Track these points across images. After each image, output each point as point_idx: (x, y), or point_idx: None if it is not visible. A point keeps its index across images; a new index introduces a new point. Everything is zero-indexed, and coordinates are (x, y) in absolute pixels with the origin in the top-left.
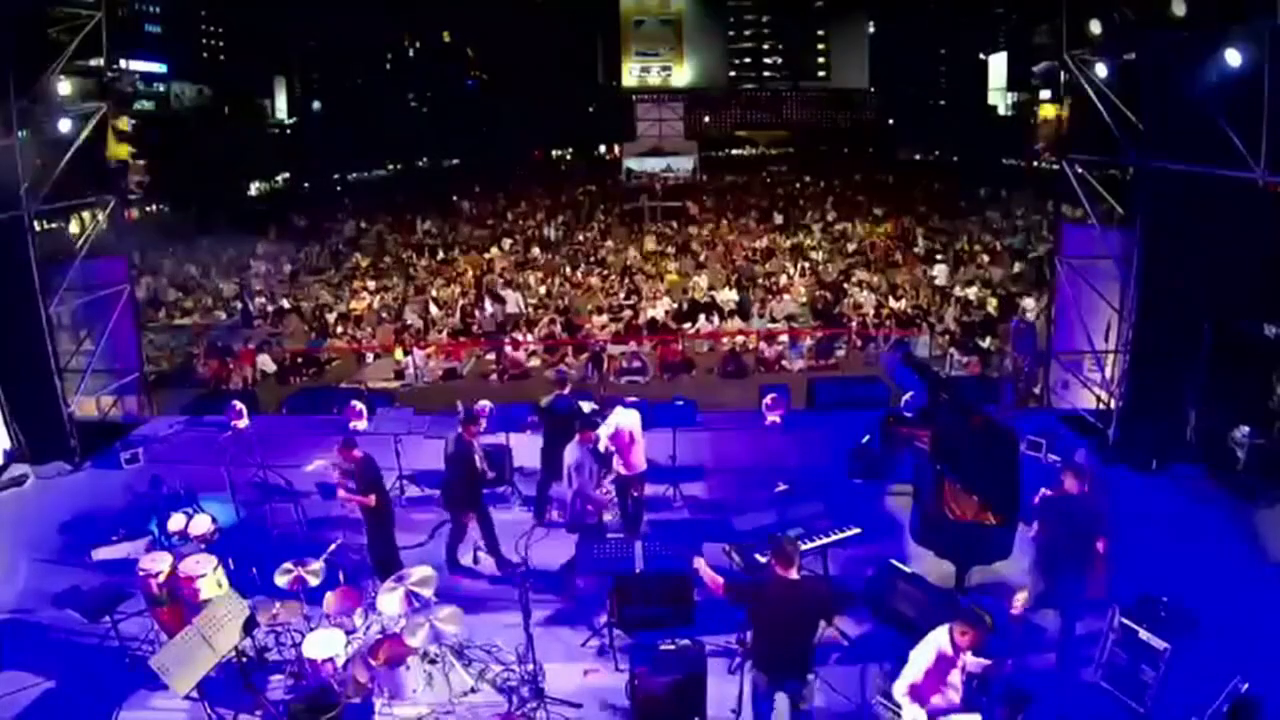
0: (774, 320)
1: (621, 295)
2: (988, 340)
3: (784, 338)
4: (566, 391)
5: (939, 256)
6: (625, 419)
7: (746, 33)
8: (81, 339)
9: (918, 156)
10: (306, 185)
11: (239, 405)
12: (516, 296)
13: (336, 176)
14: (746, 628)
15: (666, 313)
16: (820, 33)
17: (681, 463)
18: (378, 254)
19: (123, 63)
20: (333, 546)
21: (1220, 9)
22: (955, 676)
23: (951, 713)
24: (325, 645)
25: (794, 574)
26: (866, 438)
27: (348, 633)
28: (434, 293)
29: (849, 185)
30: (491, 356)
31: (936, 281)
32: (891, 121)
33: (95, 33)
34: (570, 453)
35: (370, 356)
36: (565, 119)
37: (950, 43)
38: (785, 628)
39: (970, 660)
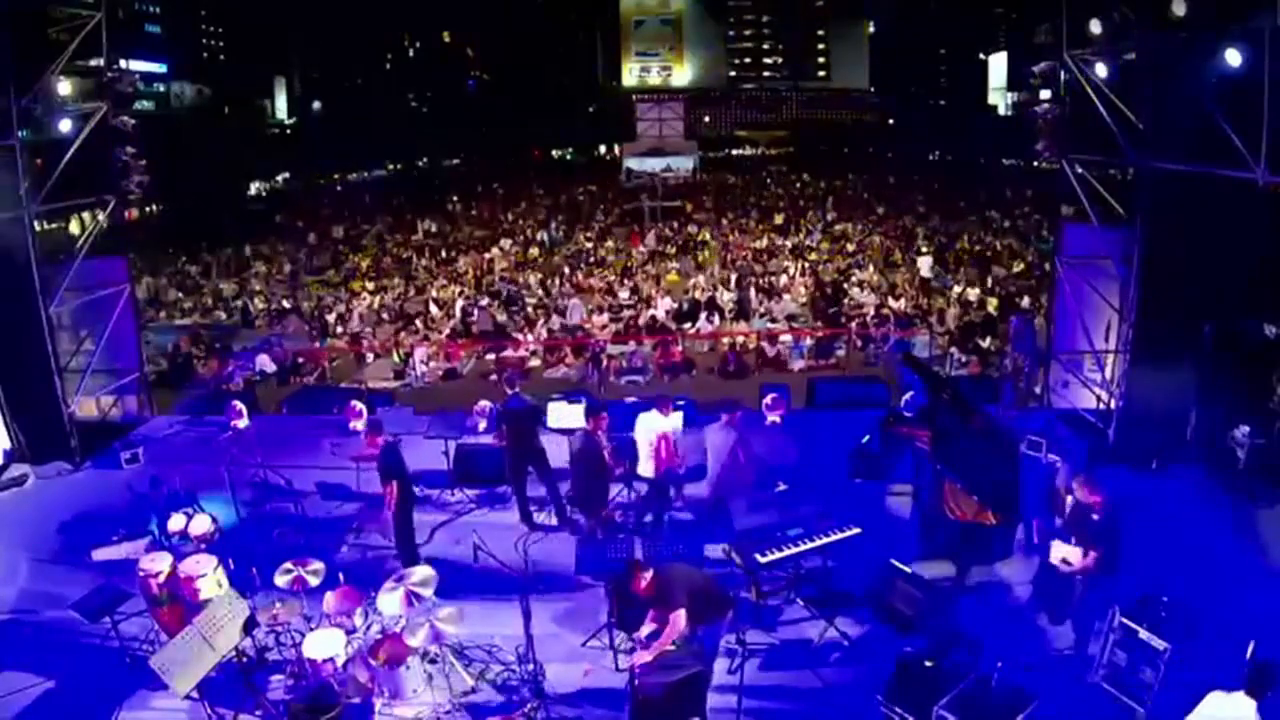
0: (774, 320)
1: (623, 295)
2: (988, 340)
3: (784, 338)
4: (517, 390)
5: (924, 250)
6: (648, 421)
7: (746, 33)
8: (81, 339)
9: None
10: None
11: (239, 405)
12: (577, 304)
13: (337, 176)
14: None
15: (667, 313)
16: (820, 33)
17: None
18: (378, 254)
19: (123, 63)
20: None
21: (1220, 9)
22: None
23: None
24: (325, 645)
25: (648, 577)
26: (866, 438)
27: (348, 633)
28: (434, 293)
29: (849, 185)
30: (491, 356)
31: (921, 274)
32: (891, 121)
33: (95, 33)
34: (720, 435)
35: (370, 356)
36: (565, 119)
37: (950, 43)
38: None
39: None
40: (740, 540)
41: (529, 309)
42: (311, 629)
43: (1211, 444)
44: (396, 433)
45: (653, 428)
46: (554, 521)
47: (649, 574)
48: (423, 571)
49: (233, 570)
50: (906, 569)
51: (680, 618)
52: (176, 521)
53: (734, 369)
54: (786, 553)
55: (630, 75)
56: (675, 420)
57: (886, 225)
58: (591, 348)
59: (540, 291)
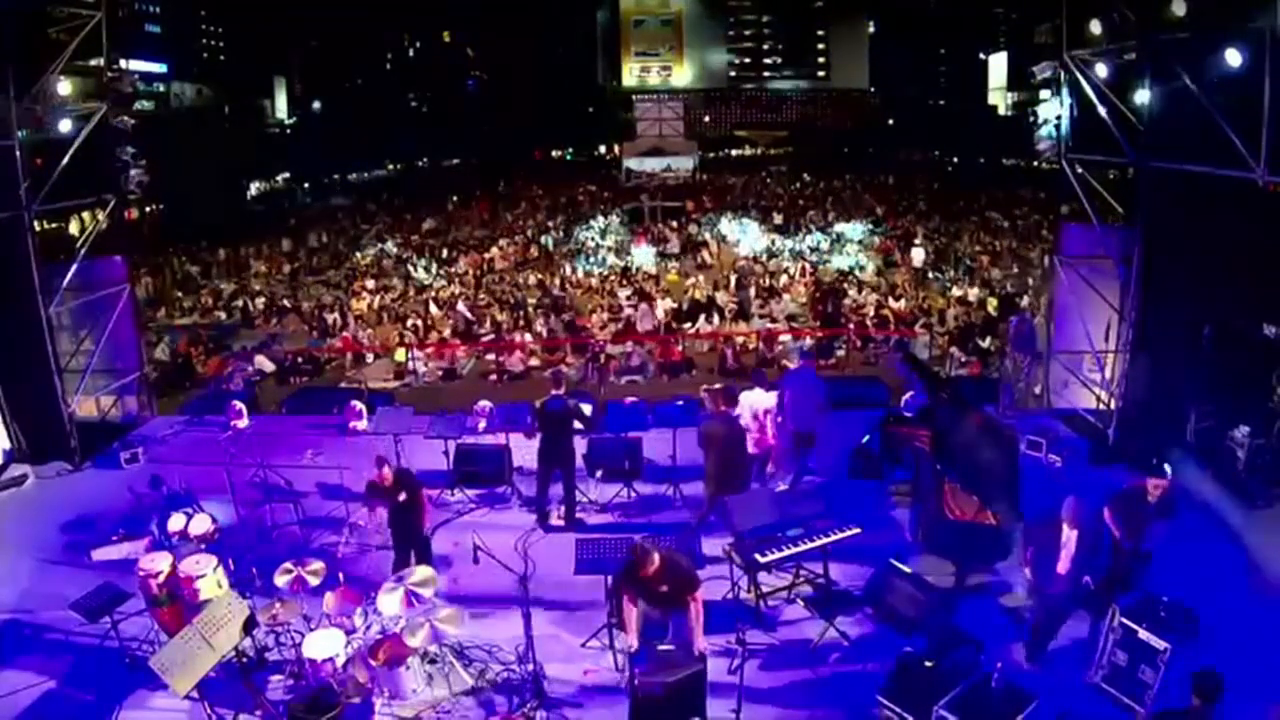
0: (774, 320)
1: (624, 296)
2: (988, 340)
3: (784, 338)
4: (561, 391)
5: (917, 241)
6: (752, 399)
7: (746, 33)
8: (81, 339)
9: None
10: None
11: (239, 405)
12: (646, 310)
13: (337, 176)
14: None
15: (666, 313)
16: (820, 33)
17: (681, 462)
18: (378, 254)
19: (123, 63)
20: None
21: (1220, 9)
22: None
23: None
24: (325, 645)
25: (656, 561)
26: (866, 438)
27: (348, 633)
28: (434, 293)
29: (848, 185)
30: (491, 356)
31: (914, 265)
32: (891, 121)
33: (95, 33)
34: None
35: (370, 356)
36: (565, 119)
37: (950, 43)
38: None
39: None
40: (740, 540)
41: (529, 308)
42: (311, 629)
43: (1211, 444)
44: (397, 433)
45: (756, 405)
46: (559, 522)
47: (657, 557)
48: (423, 571)
49: (233, 570)
50: (906, 569)
51: (701, 596)
52: (176, 521)
53: (734, 368)
54: (786, 553)
55: (630, 75)
56: (773, 398)
57: (886, 225)
58: (592, 348)
59: (539, 291)
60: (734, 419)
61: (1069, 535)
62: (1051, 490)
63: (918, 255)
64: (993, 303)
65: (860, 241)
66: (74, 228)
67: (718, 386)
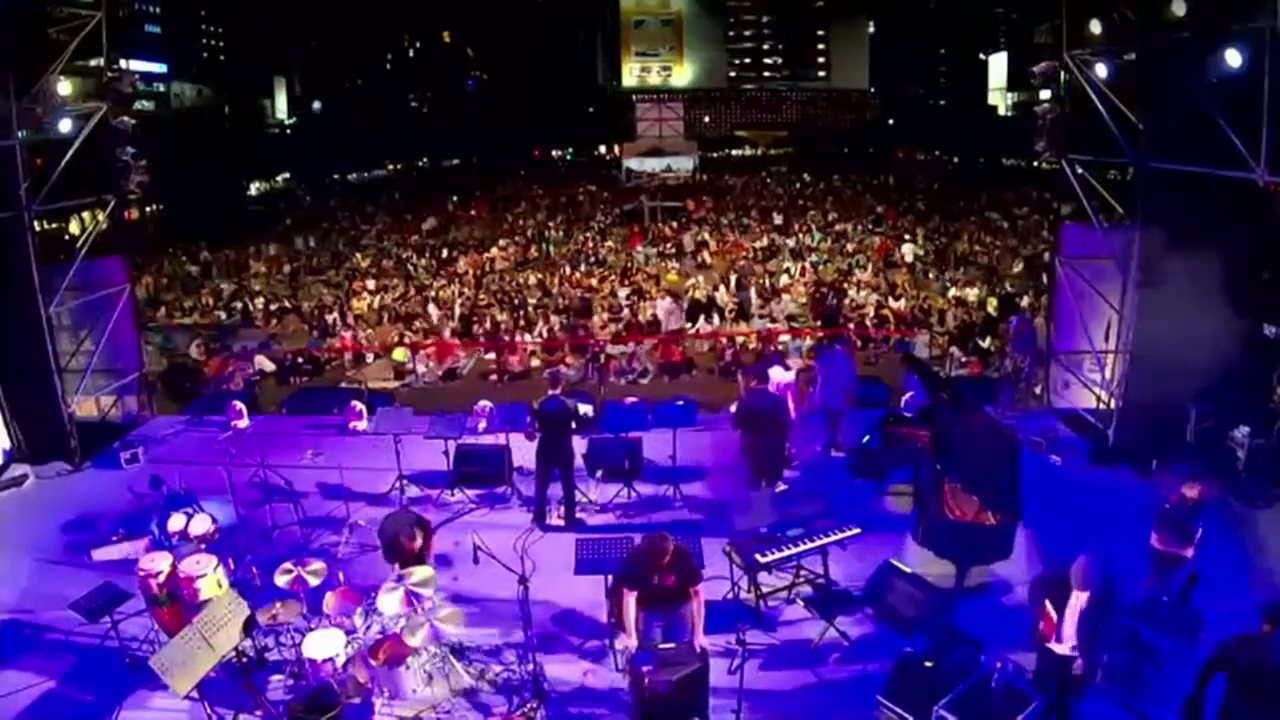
0: (774, 320)
1: (623, 296)
2: (988, 340)
3: (784, 338)
4: (559, 391)
5: (907, 237)
6: (777, 374)
7: (746, 33)
8: (81, 339)
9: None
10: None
11: (239, 405)
12: (671, 307)
13: (337, 176)
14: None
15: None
16: (820, 33)
17: (681, 463)
18: (378, 254)
19: (123, 63)
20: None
21: (1220, 9)
22: None
23: None
24: (325, 645)
25: (671, 549)
26: (866, 438)
27: (348, 633)
28: (434, 293)
29: (848, 185)
30: (491, 356)
31: (906, 259)
32: (891, 121)
33: (95, 33)
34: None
35: (370, 356)
36: (565, 119)
37: (950, 43)
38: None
39: None
40: (740, 540)
41: (530, 309)
42: (311, 629)
43: (1211, 444)
44: (397, 432)
45: (778, 379)
46: (558, 521)
47: (671, 546)
48: (423, 571)
49: (233, 570)
50: (906, 569)
51: (702, 590)
52: (176, 521)
53: (734, 369)
54: (786, 553)
55: (630, 75)
56: (792, 374)
57: (886, 225)
58: (591, 348)
59: (539, 291)
60: (771, 393)
61: (1078, 598)
62: (1051, 491)
63: (908, 251)
64: (993, 303)
65: (861, 241)
66: (74, 228)
67: (750, 369)
